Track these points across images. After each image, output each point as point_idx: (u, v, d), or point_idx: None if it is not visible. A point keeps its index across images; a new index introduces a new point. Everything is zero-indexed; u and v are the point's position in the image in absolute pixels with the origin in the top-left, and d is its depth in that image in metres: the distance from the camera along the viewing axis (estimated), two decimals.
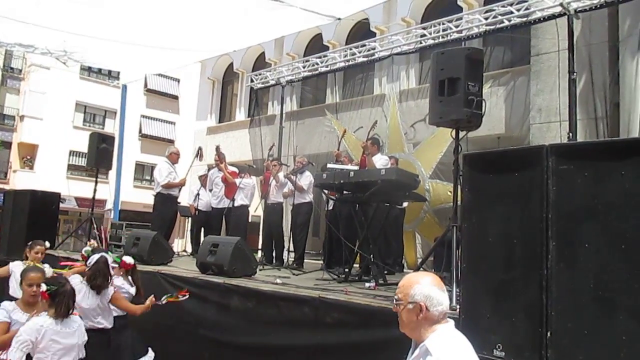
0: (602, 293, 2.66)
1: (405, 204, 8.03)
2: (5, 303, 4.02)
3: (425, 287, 2.15)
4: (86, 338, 3.85)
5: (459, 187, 4.64)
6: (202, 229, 9.84)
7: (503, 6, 8.07)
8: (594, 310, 2.68)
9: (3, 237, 8.45)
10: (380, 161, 7.33)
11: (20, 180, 26.23)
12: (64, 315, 3.64)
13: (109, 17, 8.05)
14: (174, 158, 8.80)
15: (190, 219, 10.90)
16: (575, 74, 7.19)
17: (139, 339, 5.07)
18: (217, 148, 9.15)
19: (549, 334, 2.79)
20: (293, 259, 8.16)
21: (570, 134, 6.98)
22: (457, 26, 8.84)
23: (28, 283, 3.96)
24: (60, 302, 3.63)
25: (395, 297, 2.21)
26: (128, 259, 5.15)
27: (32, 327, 3.52)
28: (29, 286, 3.95)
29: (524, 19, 8.10)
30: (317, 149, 11.88)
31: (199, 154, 9.61)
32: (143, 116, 30.98)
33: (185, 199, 10.25)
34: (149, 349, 5.03)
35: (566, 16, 7.36)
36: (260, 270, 6.57)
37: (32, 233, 7.85)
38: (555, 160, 2.88)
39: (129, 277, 5.12)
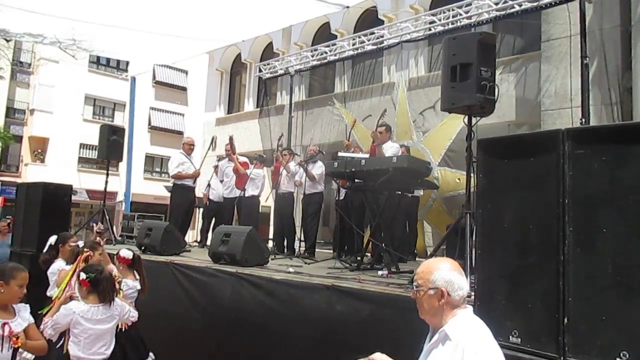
0: (620, 278, 2.62)
1: (421, 192, 8.02)
2: None
3: (445, 272, 2.15)
4: (129, 317, 4.08)
5: (472, 173, 4.60)
6: (214, 219, 9.90)
7: None
8: (611, 295, 2.64)
9: (16, 230, 8.50)
10: (391, 149, 7.28)
11: (31, 173, 26.42)
12: (110, 300, 3.81)
13: (117, 4, 8.05)
14: (185, 148, 8.85)
15: (201, 209, 10.93)
16: (587, 58, 7.09)
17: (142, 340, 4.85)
18: (231, 138, 9.13)
19: (565, 320, 2.76)
20: (304, 248, 8.17)
21: (583, 120, 6.90)
22: (466, 12, 8.77)
23: (20, 284, 3.34)
24: (105, 287, 3.80)
25: (415, 283, 2.20)
26: (125, 253, 4.83)
27: (66, 312, 3.65)
28: (20, 287, 3.34)
29: (535, 4, 8.01)
30: (327, 139, 11.87)
31: (213, 143, 9.64)
32: (152, 108, 31.04)
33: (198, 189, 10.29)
34: (150, 353, 4.81)
35: (578, 0, 7.26)
36: (272, 259, 6.58)
37: (44, 225, 7.91)
38: (572, 144, 2.83)
39: (134, 272, 4.82)
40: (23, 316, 3.43)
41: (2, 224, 9.60)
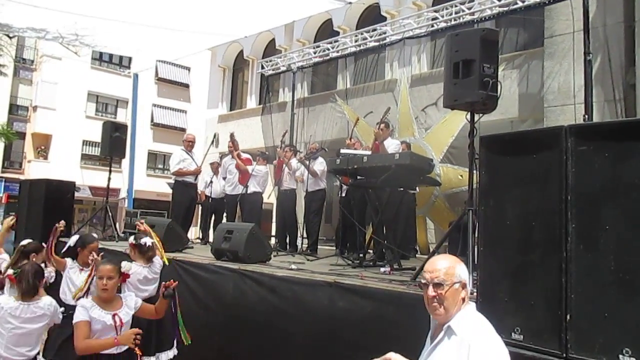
0: (622, 275, 2.61)
1: (417, 189, 8.00)
2: (83, 300, 3.57)
3: (463, 267, 2.22)
4: (59, 321, 3.92)
5: (475, 170, 4.59)
6: (213, 216, 9.92)
7: None
8: (614, 293, 2.63)
9: (19, 227, 8.51)
10: (391, 146, 7.29)
11: (34, 170, 26.47)
12: (26, 293, 3.67)
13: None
14: (186, 145, 8.84)
15: (200, 206, 10.94)
16: (590, 55, 7.07)
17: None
18: (232, 135, 9.12)
19: (568, 317, 2.76)
20: (307, 245, 8.17)
21: (586, 116, 6.88)
22: (469, 8, 8.74)
23: (99, 275, 3.58)
24: (20, 280, 3.71)
25: (436, 280, 2.18)
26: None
27: None
28: (100, 279, 3.55)
29: (538, 0, 7.96)
30: (329, 136, 11.87)
31: (215, 140, 9.62)
32: (155, 105, 31.08)
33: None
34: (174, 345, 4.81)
35: None
36: (274, 256, 6.58)
37: (48, 222, 7.93)
38: (575, 141, 2.81)
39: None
40: (129, 305, 3.62)
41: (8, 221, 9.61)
